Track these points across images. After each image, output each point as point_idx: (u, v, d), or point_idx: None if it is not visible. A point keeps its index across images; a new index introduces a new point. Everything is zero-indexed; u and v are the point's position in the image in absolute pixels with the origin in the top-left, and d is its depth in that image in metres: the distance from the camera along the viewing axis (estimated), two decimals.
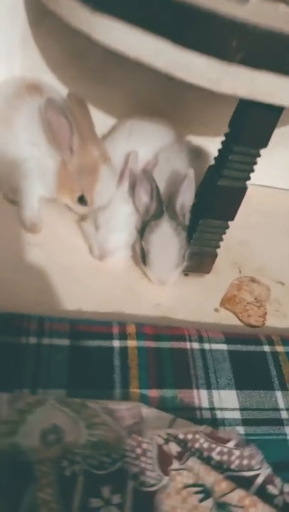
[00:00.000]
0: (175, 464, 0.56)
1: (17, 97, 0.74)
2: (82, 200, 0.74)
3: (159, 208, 0.72)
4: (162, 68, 0.52)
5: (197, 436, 0.57)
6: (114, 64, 0.79)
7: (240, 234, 0.88)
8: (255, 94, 0.53)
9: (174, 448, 0.56)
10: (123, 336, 0.66)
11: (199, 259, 0.79)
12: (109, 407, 0.57)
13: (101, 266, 0.77)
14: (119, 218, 0.75)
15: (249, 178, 0.68)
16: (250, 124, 0.61)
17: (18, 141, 0.74)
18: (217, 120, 0.75)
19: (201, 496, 0.56)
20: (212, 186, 0.70)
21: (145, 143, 0.80)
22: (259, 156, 0.65)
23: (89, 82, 0.83)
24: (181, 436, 0.57)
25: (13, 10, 0.75)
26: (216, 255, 0.79)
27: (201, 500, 0.55)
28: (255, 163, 0.66)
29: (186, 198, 0.72)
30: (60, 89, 0.80)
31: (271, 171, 0.92)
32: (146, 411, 0.58)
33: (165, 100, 0.86)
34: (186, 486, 0.56)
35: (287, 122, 0.86)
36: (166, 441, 0.56)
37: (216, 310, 0.78)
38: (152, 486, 0.55)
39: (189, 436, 0.57)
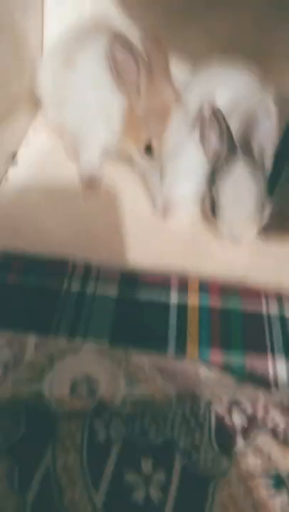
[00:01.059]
0: (239, 443, 0.42)
1: (83, 37, 0.67)
2: (149, 149, 0.65)
3: (232, 150, 0.61)
4: None
5: (271, 409, 0.44)
6: (203, 4, 0.72)
7: None
8: None
9: (238, 420, 0.43)
10: (183, 291, 0.55)
11: (283, 219, 0.66)
12: (159, 363, 0.46)
13: (164, 223, 0.66)
14: (189, 167, 0.65)
15: None
16: None
17: (80, 84, 0.67)
18: None
19: (273, 489, 0.42)
20: None
21: (225, 90, 0.70)
22: None
23: (170, 27, 0.74)
24: (248, 409, 0.44)
25: None
26: None
27: (272, 495, 0.41)
28: None
29: (265, 135, 0.60)
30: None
31: None
32: (206, 371, 0.46)
33: (254, 45, 0.75)
34: (253, 475, 0.42)
35: None
36: (229, 411, 0.43)
37: None
38: (207, 469, 0.42)
39: (260, 409, 0.44)
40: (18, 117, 0.73)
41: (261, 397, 0.44)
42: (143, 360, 0.46)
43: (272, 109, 0.60)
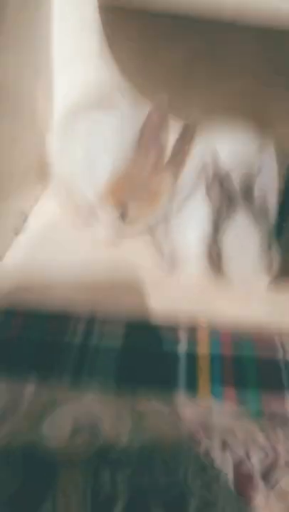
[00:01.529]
0: (261, 489, 0.38)
1: (95, 107, 0.71)
2: (123, 215, 0.66)
3: (233, 202, 0.62)
4: None
5: None
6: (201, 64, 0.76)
7: None
8: None
9: (257, 463, 0.38)
10: (192, 341, 0.53)
11: None
12: (169, 401, 0.43)
13: (170, 280, 0.65)
14: (194, 220, 0.65)
15: None
16: None
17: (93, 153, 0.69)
18: None
19: None
20: None
21: (226, 145, 0.72)
22: None
23: (168, 86, 0.78)
24: (268, 448, 0.39)
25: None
26: None
27: None
28: None
29: (265, 181, 0.61)
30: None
31: None
32: (219, 409, 0.42)
33: (254, 104, 0.80)
34: None
35: None
36: (247, 453, 0.39)
37: None
38: None
39: (281, 448, 0.39)
40: (29, 186, 0.75)
41: (281, 434, 0.40)
42: (151, 403, 0.43)
43: (273, 156, 0.62)
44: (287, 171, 0.65)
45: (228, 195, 0.62)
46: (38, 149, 0.74)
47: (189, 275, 0.65)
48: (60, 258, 0.66)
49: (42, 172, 0.76)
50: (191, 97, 0.81)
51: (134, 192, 0.66)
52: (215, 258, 0.63)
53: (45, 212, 0.76)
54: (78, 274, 0.63)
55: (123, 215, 0.66)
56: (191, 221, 0.65)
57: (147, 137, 0.63)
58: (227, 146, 0.71)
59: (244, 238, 0.60)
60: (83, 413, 0.41)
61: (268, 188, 0.61)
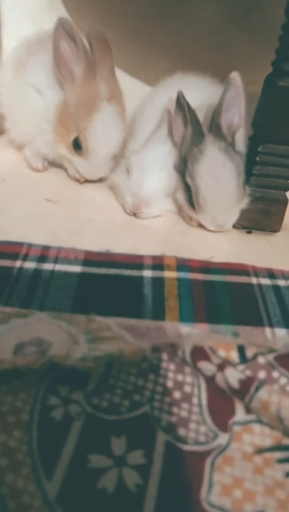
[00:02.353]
0: (239, 413, 0.32)
1: (37, 43, 0.66)
2: (77, 144, 0.61)
3: (198, 130, 0.57)
4: None
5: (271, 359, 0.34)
6: (159, 21, 0.72)
7: None
8: None
9: (233, 378, 0.33)
10: (158, 267, 0.47)
11: (264, 209, 0.60)
12: (128, 323, 0.37)
13: (136, 222, 0.59)
14: (155, 158, 0.60)
15: None
16: None
17: (26, 88, 0.64)
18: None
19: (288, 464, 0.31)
20: (271, 92, 0.54)
21: (191, 91, 0.67)
22: None
23: (127, 43, 0.74)
24: (248, 354, 0.34)
25: None
26: (286, 202, 0.60)
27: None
28: None
29: (233, 113, 0.57)
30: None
31: None
32: (188, 329, 0.37)
33: (211, 57, 0.75)
34: (262, 451, 0.32)
35: None
36: (221, 366, 0.34)
37: None
38: (200, 444, 0.32)
39: (259, 358, 0.34)
40: None
41: (258, 342, 0.35)
42: (108, 321, 0.37)
43: (240, 95, 0.57)
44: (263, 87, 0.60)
45: (195, 131, 0.57)
46: None
47: (155, 217, 0.60)
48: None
49: None
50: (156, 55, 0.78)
51: (74, 115, 0.60)
52: (185, 197, 0.57)
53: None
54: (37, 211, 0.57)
55: (77, 143, 0.61)
56: (152, 161, 0.60)
57: (60, 55, 0.58)
58: (191, 90, 0.66)
59: (218, 171, 0.55)
60: (29, 334, 0.35)
61: (235, 122, 0.57)
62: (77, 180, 0.66)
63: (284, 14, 0.52)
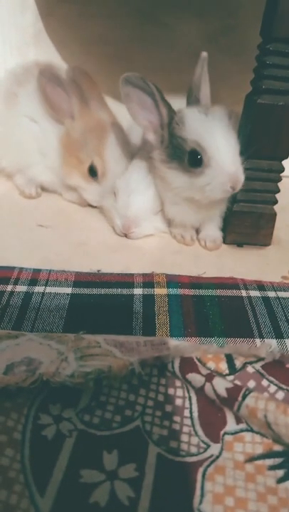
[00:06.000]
0: (230, 423, 0.33)
1: (23, 74, 0.68)
2: (92, 170, 0.62)
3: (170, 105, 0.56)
4: None
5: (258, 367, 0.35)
6: (139, 46, 0.75)
7: None
8: None
9: (221, 387, 0.33)
10: (148, 285, 0.48)
11: (253, 223, 0.61)
12: (118, 340, 0.37)
13: (128, 243, 0.60)
14: (139, 178, 0.61)
15: None
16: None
17: (20, 118, 0.66)
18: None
19: (281, 471, 0.31)
20: (251, 110, 0.55)
21: None
22: None
23: (109, 69, 0.76)
24: (237, 364, 0.35)
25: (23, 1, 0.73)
26: (274, 216, 0.61)
27: (281, 480, 0.31)
28: None
29: (205, 88, 0.58)
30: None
31: None
32: (177, 343, 0.37)
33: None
34: (253, 459, 0.32)
35: None
36: (209, 377, 0.34)
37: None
38: (192, 455, 0.32)
39: (247, 368, 0.35)
40: None
41: (244, 352, 0.35)
42: (97, 338, 0.37)
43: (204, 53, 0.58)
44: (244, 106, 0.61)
45: (169, 107, 0.56)
46: None
47: (146, 236, 0.61)
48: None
49: None
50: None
51: (84, 143, 0.63)
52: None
53: None
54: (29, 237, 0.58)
55: (92, 170, 0.63)
56: (138, 183, 0.61)
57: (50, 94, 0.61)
58: None
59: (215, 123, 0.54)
60: (18, 352, 0.35)
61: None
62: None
63: (259, 35, 0.54)
